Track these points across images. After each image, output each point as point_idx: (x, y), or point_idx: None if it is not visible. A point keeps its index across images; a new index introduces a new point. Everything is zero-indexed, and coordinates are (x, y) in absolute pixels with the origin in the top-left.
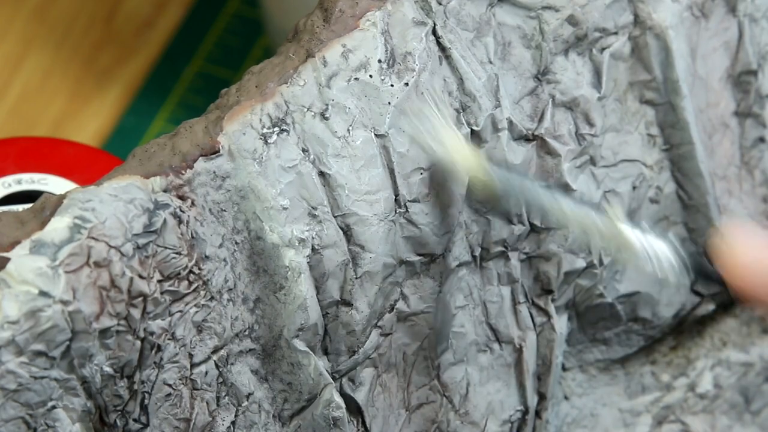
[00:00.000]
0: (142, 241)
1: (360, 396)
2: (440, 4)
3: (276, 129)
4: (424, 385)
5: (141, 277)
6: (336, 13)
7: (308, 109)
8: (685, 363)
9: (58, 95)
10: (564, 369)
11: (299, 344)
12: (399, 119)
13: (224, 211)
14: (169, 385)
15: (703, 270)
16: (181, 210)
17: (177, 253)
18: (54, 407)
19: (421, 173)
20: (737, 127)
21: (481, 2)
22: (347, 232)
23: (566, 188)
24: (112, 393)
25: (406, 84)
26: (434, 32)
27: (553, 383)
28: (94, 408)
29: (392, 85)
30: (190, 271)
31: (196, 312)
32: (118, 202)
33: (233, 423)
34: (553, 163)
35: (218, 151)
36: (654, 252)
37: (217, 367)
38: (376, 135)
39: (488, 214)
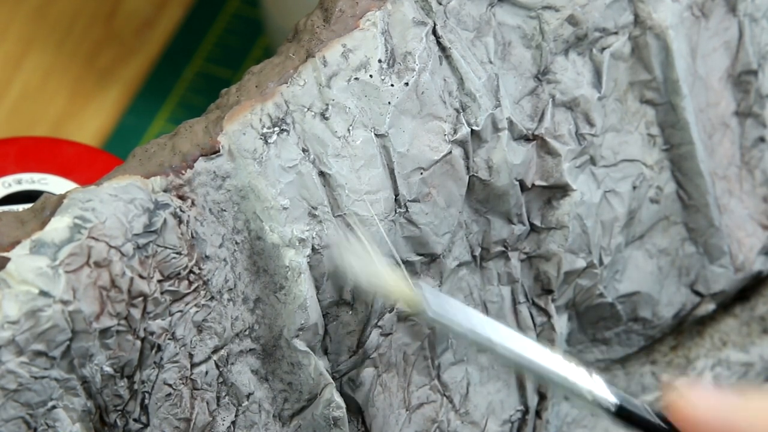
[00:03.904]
0: (142, 241)
1: (360, 396)
2: (440, 3)
3: (276, 129)
4: (425, 384)
5: (141, 277)
6: (336, 13)
7: (308, 109)
8: (685, 363)
9: (58, 95)
10: None
11: (299, 344)
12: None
13: (224, 211)
14: (170, 385)
15: (645, 421)
16: (181, 210)
17: (177, 253)
18: (54, 407)
19: (421, 173)
20: (737, 126)
21: (481, 2)
22: (347, 232)
23: (566, 188)
24: (113, 393)
25: (407, 84)
26: (434, 32)
27: None
28: (94, 408)
29: (392, 85)
30: (191, 271)
31: (197, 312)
32: (118, 202)
33: (233, 423)
34: (553, 162)
35: (218, 151)
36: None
37: (218, 366)
38: (376, 135)
39: (488, 213)
